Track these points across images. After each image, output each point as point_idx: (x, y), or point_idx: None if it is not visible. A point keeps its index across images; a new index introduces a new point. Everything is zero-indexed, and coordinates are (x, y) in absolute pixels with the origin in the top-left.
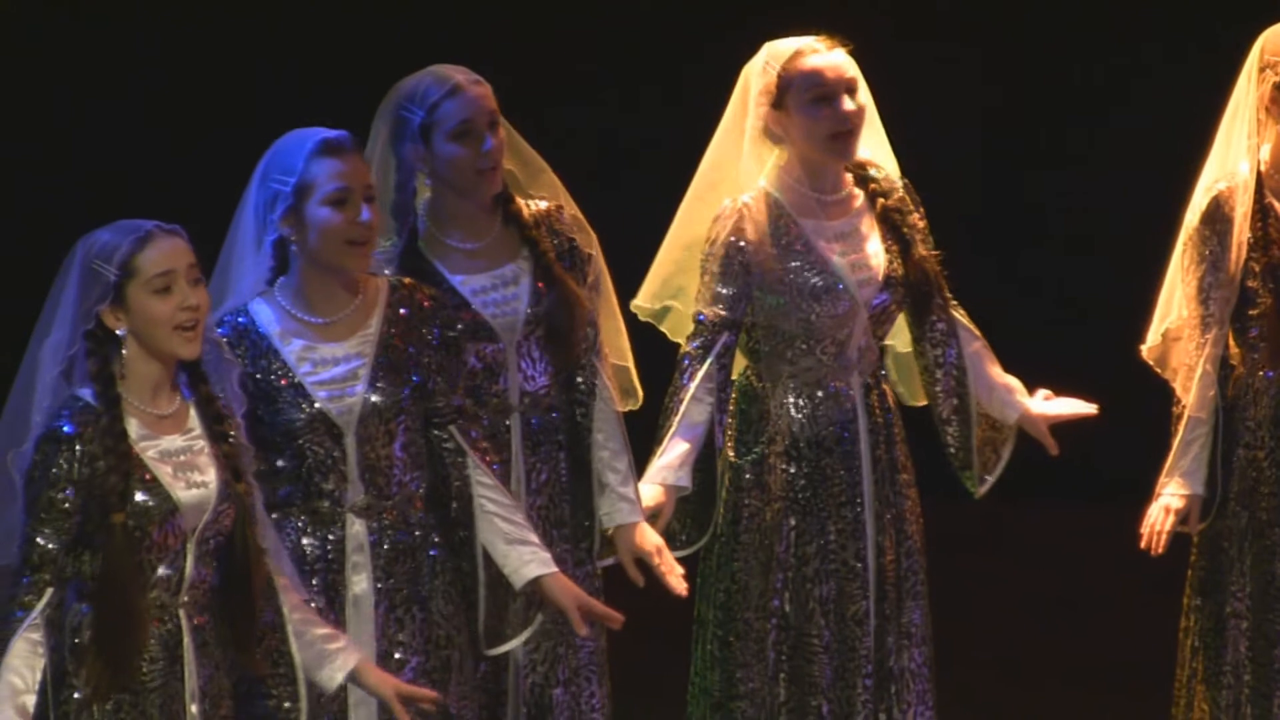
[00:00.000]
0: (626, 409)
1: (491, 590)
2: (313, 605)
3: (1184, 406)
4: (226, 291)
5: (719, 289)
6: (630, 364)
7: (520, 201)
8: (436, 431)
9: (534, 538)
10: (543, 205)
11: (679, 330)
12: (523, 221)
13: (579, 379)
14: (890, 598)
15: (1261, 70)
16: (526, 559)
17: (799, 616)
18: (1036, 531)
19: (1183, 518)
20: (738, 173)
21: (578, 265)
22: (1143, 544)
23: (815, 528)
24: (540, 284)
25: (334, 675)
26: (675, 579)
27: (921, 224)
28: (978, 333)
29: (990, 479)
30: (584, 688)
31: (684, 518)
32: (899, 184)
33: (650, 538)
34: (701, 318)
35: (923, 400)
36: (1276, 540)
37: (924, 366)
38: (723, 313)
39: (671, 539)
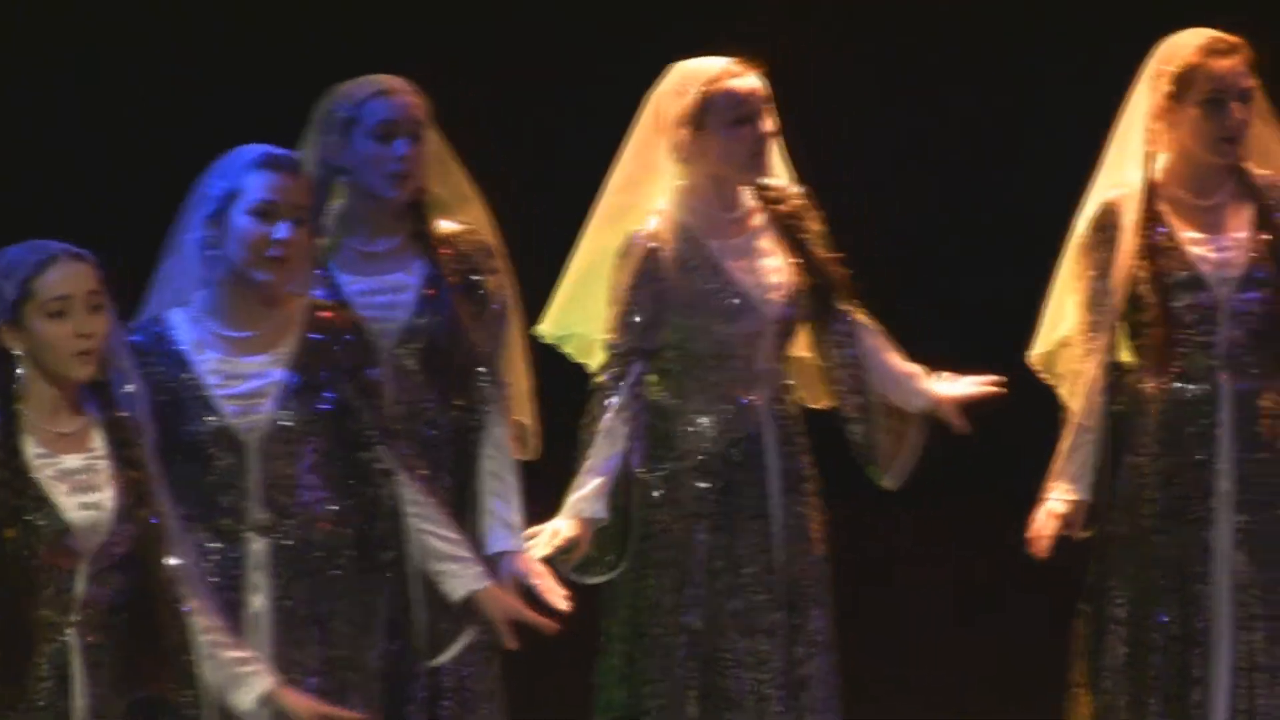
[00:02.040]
0: (521, 458)
1: (429, 606)
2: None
3: (1071, 412)
4: (159, 298)
5: (630, 318)
6: (528, 419)
7: (434, 220)
8: (364, 453)
9: (466, 553)
10: (457, 228)
11: (584, 353)
12: (428, 236)
13: (468, 404)
14: (797, 606)
15: (1155, 79)
16: (459, 574)
17: (711, 631)
18: (936, 534)
19: (1067, 522)
20: (650, 194)
21: (476, 293)
22: (1028, 548)
23: (725, 542)
24: (427, 299)
25: (247, 697)
26: (558, 598)
27: (820, 229)
28: (875, 327)
29: (902, 472)
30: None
31: (605, 544)
32: (795, 191)
33: (532, 563)
34: (614, 348)
35: (824, 403)
36: (1155, 548)
37: (826, 367)
38: (635, 343)
39: (593, 565)
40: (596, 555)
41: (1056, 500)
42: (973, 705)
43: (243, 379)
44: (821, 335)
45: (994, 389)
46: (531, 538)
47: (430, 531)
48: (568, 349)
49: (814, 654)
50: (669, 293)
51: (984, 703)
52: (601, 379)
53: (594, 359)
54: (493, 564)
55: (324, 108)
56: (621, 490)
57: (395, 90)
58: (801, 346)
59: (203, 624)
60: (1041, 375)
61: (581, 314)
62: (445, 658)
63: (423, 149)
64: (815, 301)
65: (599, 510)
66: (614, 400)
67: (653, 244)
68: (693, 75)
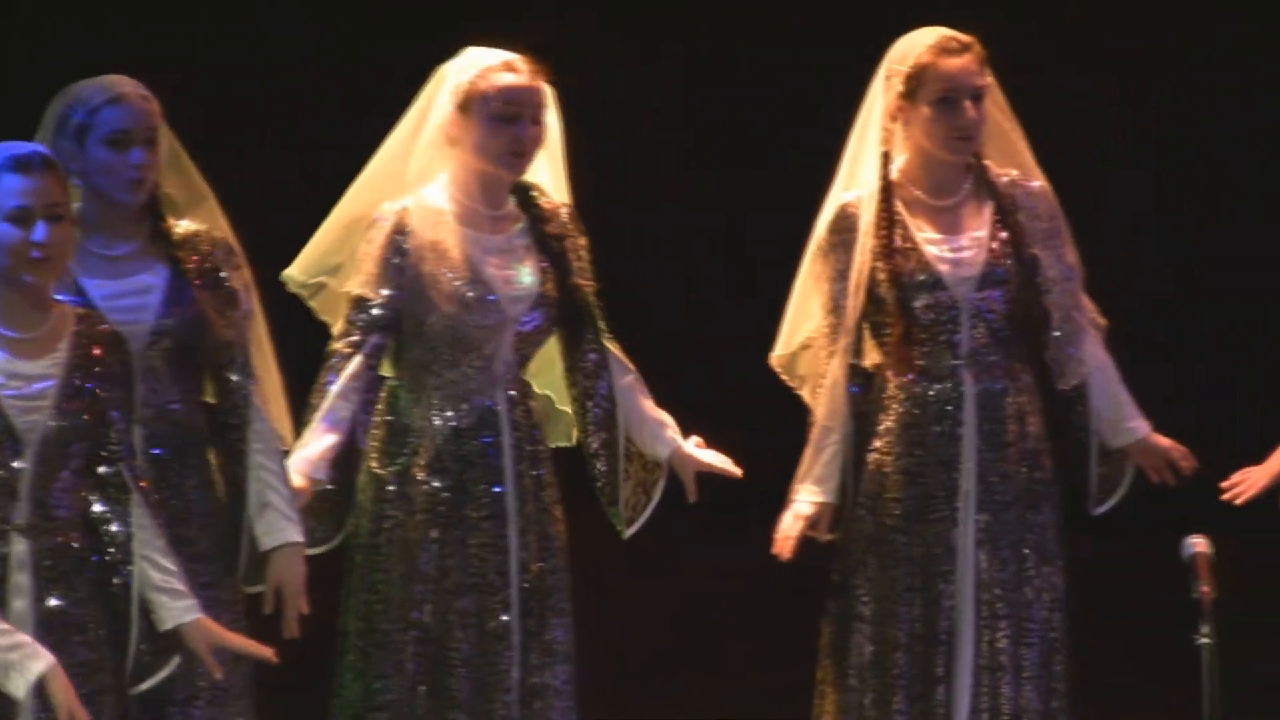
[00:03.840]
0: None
1: (143, 630)
2: None
3: (816, 415)
4: None
5: (373, 290)
6: (282, 413)
7: (171, 220)
8: (104, 468)
9: (180, 584)
10: (196, 227)
11: (329, 309)
12: (168, 237)
13: (224, 402)
14: (535, 614)
15: (888, 79)
16: (169, 606)
17: (439, 629)
18: (678, 543)
19: (813, 524)
20: (419, 170)
21: (220, 292)
22: (774, 549)
23: (458, 540)
24: (172, 299)
25: (22, 681)
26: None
27: (583, 253)
28: (630, 366)
29: (639, 520)
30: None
31: (320, 514)
32: (563, 210)
33: (304, 568)
34: (353, 317)
35: (564, 442)
36: (899, 546)
37: (574, 397)
38: (375, 313)
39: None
40: (311, 525)
41: (803, 503)
42: (724, 706)
43: (25, 380)
44: (572, 362)
45: (734, 472)
46: None
47: (148, 558)
48: (313, 303)
49: (550, 663)
50: (410, 271)
51: (734, 705)
52: (338, 345)
53: (335, 320)
54: (263, 557)
55: (56, 111)
56: (344, 461)
57: (128, 96)
58: (540, 383)
59: None
60: (784, 378)
61: (331, 268)
62: (145, 686)
63: (157, 153)
64: (568, 327)
65: (322, 472)
66: (348, 368)
67: (404, 220)
68: (474, 60)
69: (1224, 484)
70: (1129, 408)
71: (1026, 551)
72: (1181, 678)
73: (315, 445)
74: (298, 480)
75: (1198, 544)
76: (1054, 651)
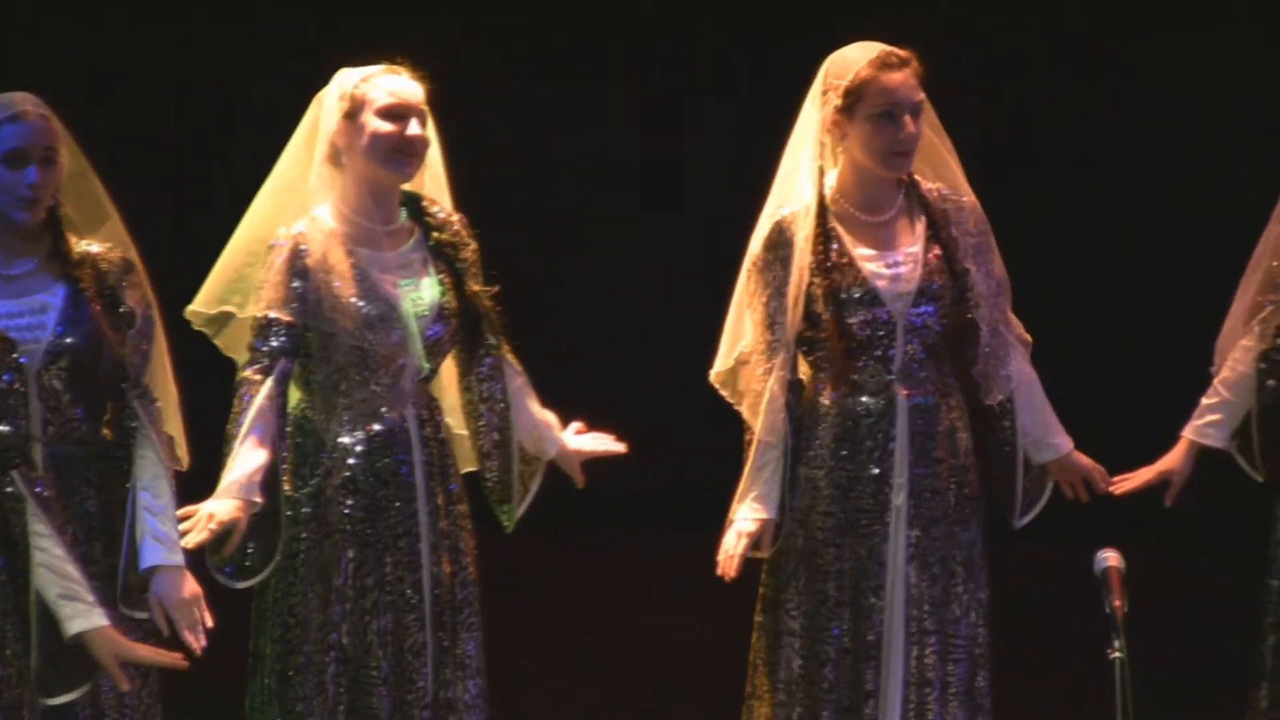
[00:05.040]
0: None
1: (45, 641)
2: None
3: (754, 432)
4: None
5: (276, 314)
6: (179, 432)
7: (72, 239)
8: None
9: (85, 593)
10: (96, 249)
11: (232, 344)
12: (67, 256)
13: (120, 420)
14: (447, 629)
15: (824, 94)
16: (70, 614)
17: (357, 649)
18: (590, 561)
19: (755, 542)
20: (314, 193)
21: (119, 311)
22: (718, 570)
23: (373, 559)
24: (68, 318)
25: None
26: (198, 634)
27: (475, 259)
28: (520, 369)
29: (520, 512)
30: None
31: (257, 537)
32: (454, 219)
33: (190, 584)
34: (258, 344)
35: (469, 467)
36: (829, 561)
37: (469, 401)
38: (280, 337)
39: (238, 567)
40: (238, 555)
41: (745, 520)
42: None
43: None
44: (467, 367)
45: (618, 448)
46: (185, 518)
47: (47, 565)
48: (218, 340)
49: (462, 677)
50: (311, 294)
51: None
52: (246, 373)
53: (240, 353)
54: (147, 579)
55: None
56: (271, 483)
57: (27, 114)
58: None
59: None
60: (722, 393)
61: (234, 297)
62: (62, 700)
63: (55, 172)
64: (464, 330)
65: (255, 494)
66: (260, 393)
67: (300, 243)
68: (356, 71)
69: (1115, 479)
70: (1054, 424)
71: (956, 568)
72: (1098, 690)
73: (241, 469)
74: (230, 506)
75: (1109, 558)
76: (979, 668)
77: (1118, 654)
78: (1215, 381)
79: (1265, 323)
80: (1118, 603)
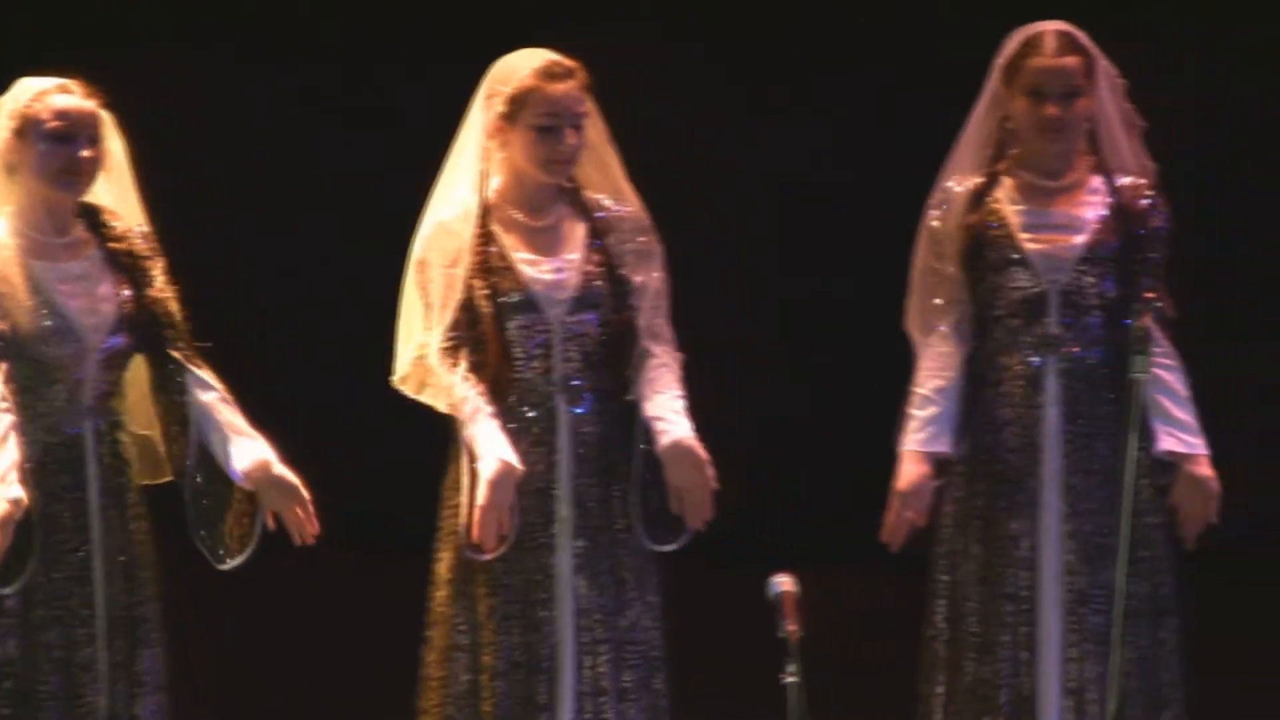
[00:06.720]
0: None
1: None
2: None
3: (460, 413)
4: None
5: None
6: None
7: None
8: None
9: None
10: None
11: None
12: None
13: None
14: (123, 645)
15: (489, 98)
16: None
17: (25, 664)
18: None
19: None
20: None
21: None
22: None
23: (41, 573)
24: None
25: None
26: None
27: (158, 270)
28: (217, 384)
29: (244, 554)
30: None
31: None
32: (135, 230)
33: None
34: None
35: (160, 478)
36: (498, 574)
37: (160, 414)
38: None
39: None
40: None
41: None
42: None
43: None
44: (158, 380)
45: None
46: None
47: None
48: None
49: (140, 694)
50: None
51: None
52: None
53: None
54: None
55: None
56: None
57: None
58: (138, 423)
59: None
60: (411, 396)
61: None
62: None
63: None
64: (149, 343)
65: (14, 490)
66: None
67: None
68: (28, 86)
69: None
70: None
71: (626, 575)
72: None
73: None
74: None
75: (783, 583)
76: (655, 670)
77: (792, 679)
78: None
79: None
80: (792, 627)
